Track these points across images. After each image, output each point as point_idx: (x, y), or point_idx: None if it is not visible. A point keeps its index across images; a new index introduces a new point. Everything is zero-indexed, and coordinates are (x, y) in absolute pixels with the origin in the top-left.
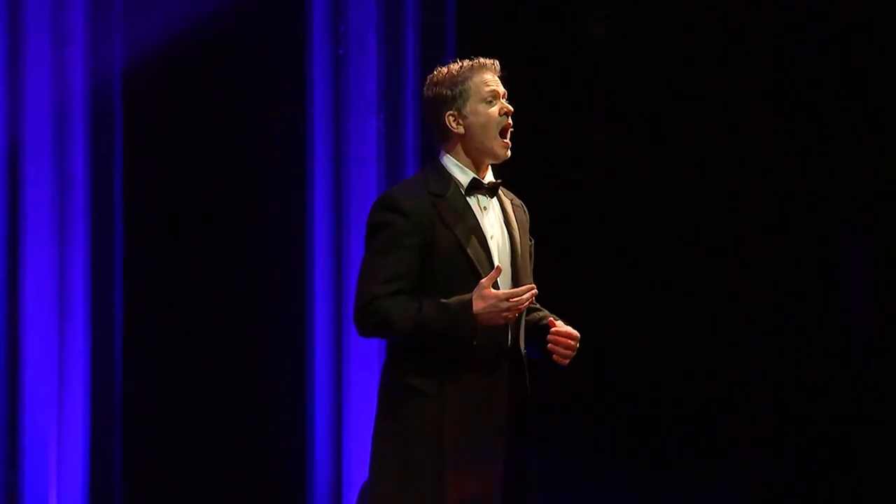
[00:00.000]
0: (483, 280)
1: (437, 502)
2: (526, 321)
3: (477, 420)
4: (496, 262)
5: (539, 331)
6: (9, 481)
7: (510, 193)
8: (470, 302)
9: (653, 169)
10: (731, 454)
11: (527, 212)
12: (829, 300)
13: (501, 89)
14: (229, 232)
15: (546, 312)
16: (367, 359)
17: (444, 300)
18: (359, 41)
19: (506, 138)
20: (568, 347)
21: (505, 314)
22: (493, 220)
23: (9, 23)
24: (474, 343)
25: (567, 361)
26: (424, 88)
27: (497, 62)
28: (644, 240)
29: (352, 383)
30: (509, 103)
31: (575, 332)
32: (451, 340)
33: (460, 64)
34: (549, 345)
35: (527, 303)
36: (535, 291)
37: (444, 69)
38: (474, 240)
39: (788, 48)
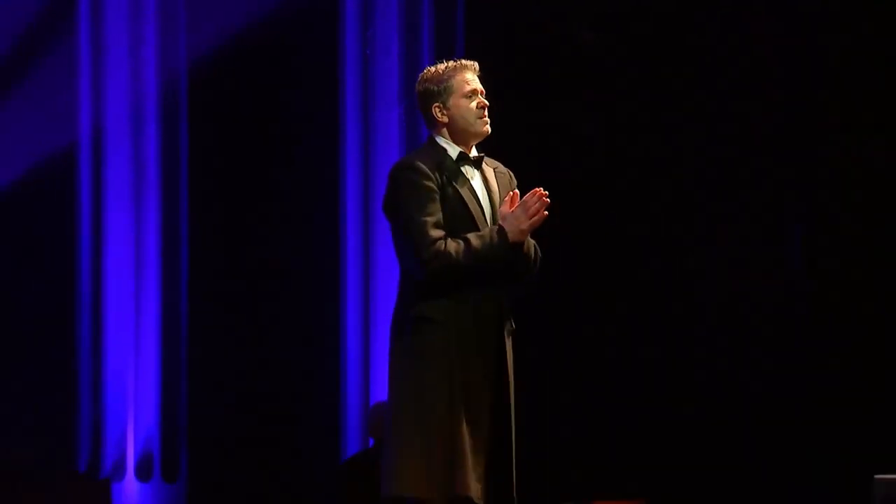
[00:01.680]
0: (501, 208)
1: (449, 412)
2: None
3: (476, 344)
4: (488, 216)
5: None
6: (94, 412)
7: (495, 161)
8: (498, 225)
9: (640, 166)
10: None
11: (513, 178)
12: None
13: (480, 87)
14: (275, 200)
15: None
16: (390, 296)
17: (478, 233)
18: (383, 43)
19: (484, 118)
20: (537, 202)
21: (531, 218)
22: (478, 186)
23: (92, 31)
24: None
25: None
26: (416, 84)
27: (476, 63)
28: (630, 233)
29: (378, 320)
30: (488, 98)
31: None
32: (496, 260)
33: (446, 64)
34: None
35: (545, 201)
36: (543, 192)
37: (433, 68)
38: (472, 197)
39: (762, 53)
